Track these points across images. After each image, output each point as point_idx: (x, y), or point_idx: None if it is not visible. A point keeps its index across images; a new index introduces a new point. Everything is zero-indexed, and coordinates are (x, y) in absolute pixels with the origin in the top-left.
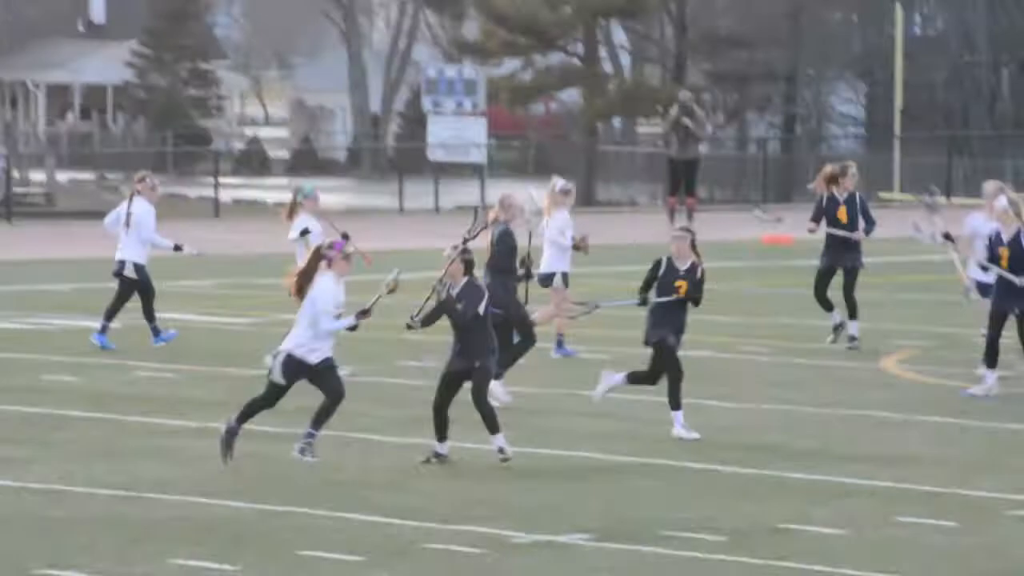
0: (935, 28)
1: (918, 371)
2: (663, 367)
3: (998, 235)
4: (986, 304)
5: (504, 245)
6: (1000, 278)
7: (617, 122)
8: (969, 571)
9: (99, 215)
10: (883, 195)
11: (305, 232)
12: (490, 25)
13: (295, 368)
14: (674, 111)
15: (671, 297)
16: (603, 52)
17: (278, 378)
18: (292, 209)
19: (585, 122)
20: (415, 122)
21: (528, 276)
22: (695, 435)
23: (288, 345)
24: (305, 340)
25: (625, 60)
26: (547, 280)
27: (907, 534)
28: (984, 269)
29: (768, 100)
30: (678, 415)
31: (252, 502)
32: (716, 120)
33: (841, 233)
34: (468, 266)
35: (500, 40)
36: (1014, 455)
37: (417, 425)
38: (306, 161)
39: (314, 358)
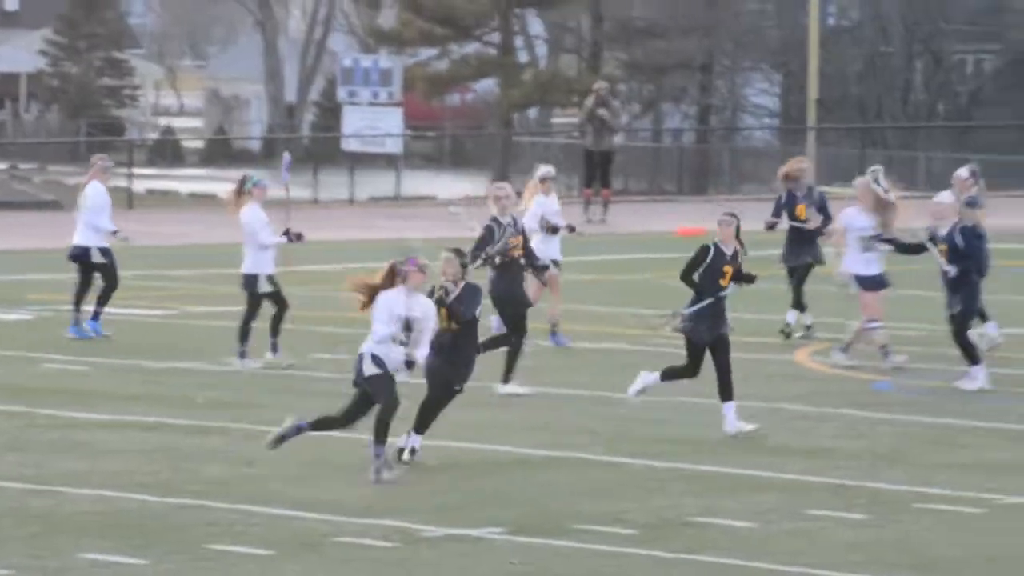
0: (850, 19)
1: (830, 364)
2: (718, 360)
3: (938, 230)
4: (866, 296)
5: (486, 235)
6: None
7: (533, 112)
8: (879, 563)
9: (11, 206)
10: None
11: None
12: (407, 14)
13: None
14: (590, 101)
15: (728, 291)
16: (519, 42)
17: (372, 371)
18: (239, 198)
19: (501, 112)
20: (331, 112)
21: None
22: (752, 426)
23: (366, 347)
24: (374, 345)
25: (541, 50)
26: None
27: (817, 527)
28: (916, 249)
29: (683, 91)
30: (731, 405)
31: (162, 495)
32: (632, 110)
33: (799, 224)
34: (464, 269)
35: (417, 29)
36: (923, 448)
37: None
38: (221, 151)
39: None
